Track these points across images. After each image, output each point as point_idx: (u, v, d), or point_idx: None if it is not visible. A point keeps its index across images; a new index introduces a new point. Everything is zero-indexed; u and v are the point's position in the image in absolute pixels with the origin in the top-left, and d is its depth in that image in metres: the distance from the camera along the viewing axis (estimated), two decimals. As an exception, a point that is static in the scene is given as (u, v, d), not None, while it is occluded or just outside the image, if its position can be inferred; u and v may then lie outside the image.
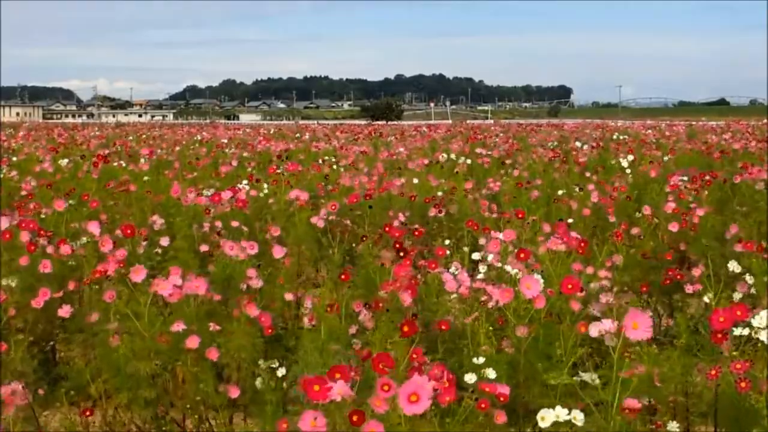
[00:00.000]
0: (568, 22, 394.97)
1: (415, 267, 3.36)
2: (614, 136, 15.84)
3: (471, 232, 4.50)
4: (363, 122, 45.45)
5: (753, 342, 2.59)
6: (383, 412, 1.92)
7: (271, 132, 20.82)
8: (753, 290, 3.37)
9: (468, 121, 38.20)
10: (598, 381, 2.53)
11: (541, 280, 2.83)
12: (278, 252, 4.00)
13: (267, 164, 9.06)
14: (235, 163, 9.04)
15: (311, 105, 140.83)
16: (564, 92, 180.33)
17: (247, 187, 6.08)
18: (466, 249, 4.11)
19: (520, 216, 4.59)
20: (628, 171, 8.01)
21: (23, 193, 6.27)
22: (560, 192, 6.47)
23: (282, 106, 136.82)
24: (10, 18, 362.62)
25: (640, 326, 2.23)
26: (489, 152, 10.28)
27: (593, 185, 6.28)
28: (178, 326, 2.87)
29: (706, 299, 3.33)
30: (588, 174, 7.96)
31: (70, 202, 5.30)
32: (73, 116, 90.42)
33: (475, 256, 3.70)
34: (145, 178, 7.63)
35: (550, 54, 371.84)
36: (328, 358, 2.66)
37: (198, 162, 9.41)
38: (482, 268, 3.40)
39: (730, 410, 2.54)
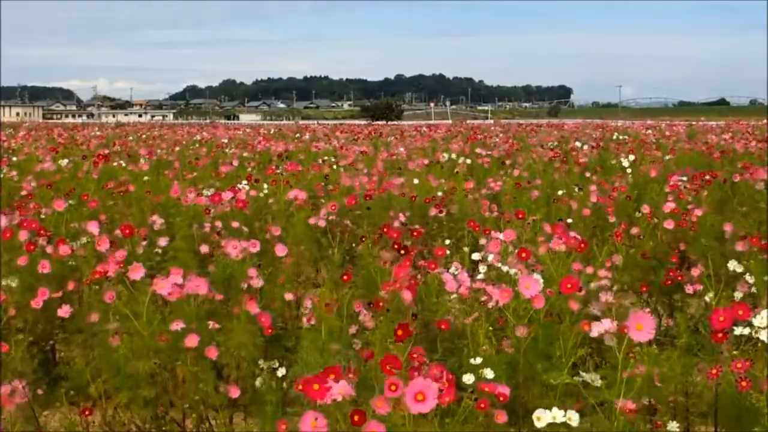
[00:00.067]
0: (568, 22, 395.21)
1: (415, 267, 3.36)
2: (614, 136, 15.84)
3: (471, 232, 4.50)
4: (363, 122, 45.44)
5: (753, 342, 2.59)
6: (385, 413, 1.92)
7: (271, 132, 20.82)
8: (753, 289, 3.37)
9: (468, 121, 38.20)
10: (598, 381, 2.53)
11: (541, 280, 2.83)
12: (281, 250, 4.00)
13: (267, 164, 9.06)
14: (236, 163, 9.04)
15: (311, 105, 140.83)
16: (564, 92, 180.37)
17: (247, 187, 6.07)
18: (466, 249, 4.11)
19: (520, 216, 4.58)
20: (629, 171, 8.01)
21: (23, 193, 6.27)
22: (560, 192, 6.47)
23: (282, 106, 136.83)
24: (10, 18, 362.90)
25: (644, 327, 2.23)
26: (489, 152, 10.28)
27: (594, 186, 6.28)
28: (177, 325, 2.87)
29: (707, 299, 3.33)
30: (588, 174, 7.96)
31: (70, 202, 5.30)
32: (73, 116, 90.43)
33: (475, 256, 3.70)
34: (145, 178, 7.63)
35: (550, 54, 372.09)
36: (329, 358, 2.66)
37: (198, 162, 9.41)
38: (482, 268, 3.40)
39: (731, 410, 2.54)
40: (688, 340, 2.81)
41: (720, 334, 2.52)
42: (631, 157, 8.64)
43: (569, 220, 5.29)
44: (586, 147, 11.82)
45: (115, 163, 8.77)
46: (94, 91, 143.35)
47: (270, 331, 3.14)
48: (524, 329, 2.77)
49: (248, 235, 4.19)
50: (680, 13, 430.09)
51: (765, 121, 26.98)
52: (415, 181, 6.88)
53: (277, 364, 3.05)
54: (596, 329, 2.57)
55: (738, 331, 2.56)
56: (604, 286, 3.35)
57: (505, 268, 3.25)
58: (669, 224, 4.82)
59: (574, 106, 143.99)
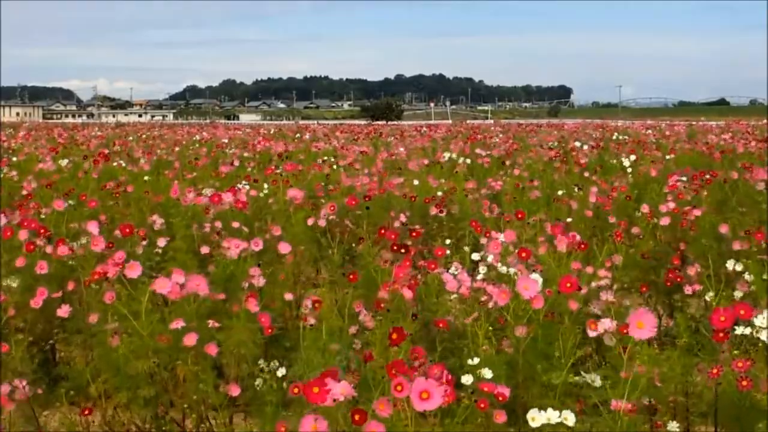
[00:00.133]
0: (568, 22, 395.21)
1: (415, 267, 3.36)
2: (614, 137, 15.84)
3: (472, 232, 4.50)
4: (363, 122, 45.44)
5: (753, 341, 2.58)
6: (387, 415, 1.92)
7: (271, 132, 20.82)
8: (753, 287, 3.37)
9: (468, 121, 38.22)
10: (598, 382, 2.53)
11: (540, 281, 2.83)
12: (284, 248, 4.02)
13: (267, 164, 9.06)
14: (236, 163, 9.05)
15: (311, 105, 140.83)
16: (564, 92, 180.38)
17: (247, 187, 6.07)
18: (466, 248, 4.11)
19: (519, 216, 4.59)
20: (629, 171, 8.01)
21: (24, 193, 6.27)
22: (560, 192, 6.47)
23: (282, 106, 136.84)
24: (10, 18, 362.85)
25: (645, 325, 2.23)
26: (489, 152, 10.28)
27: (595, 186, 6.28)
28: (178, 323, 2.86)
29: (707, 298, 3.33)
30: (587, 174, 7.96)
31: (70, 202, 5.30)
32: (73, 116, 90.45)
33: (475, 256, 3.70)
34: (146, 178, 7.63)
35: (550, 54, 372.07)
36: (329, 358, 2.66)
37: (197, 162, 9.41)
38: (482, 268, 3.40)
39: (731, 409, 2.54)
40: (688, 340, 2.81)
41: (721, 334, 2.52)
42: (632, 157, 8.65)
43: (569, 220, 5.29)
44: (585, 147, 11.82)
45: (114, 163, 8.78)
46: (94, 91, 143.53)
47: (270, 330, 3.14)
48: (523, 329, 2.77)
49: (248, 235, 4.18)
50: (680, 13, 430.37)
51: (765, 121, 26.99)
52: (415, 182, 6.88)
53: (277, 364, 3.05)
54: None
55: (739, 331, 2.56)
56: (605, 286, 3.35)
57: (504, 269, 3.25)
58: (665, 221, 4.85)
59: (574, 106, 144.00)
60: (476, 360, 2.41)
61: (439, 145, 12.90)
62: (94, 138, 16.26)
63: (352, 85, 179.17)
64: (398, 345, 2.28)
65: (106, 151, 10.39)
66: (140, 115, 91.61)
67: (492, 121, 41.53)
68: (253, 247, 3.77)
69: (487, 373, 2.31)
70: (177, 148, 12.55)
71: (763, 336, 2.53)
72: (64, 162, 8.55)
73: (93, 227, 3.71)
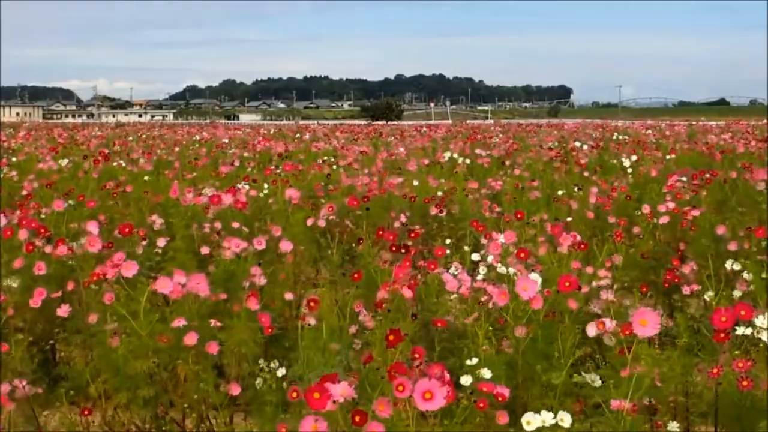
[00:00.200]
0: (568, 22, 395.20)
1: (414, 267, 3.36)
2: (614, 137, 15.84)
3: (472, 232, 4.50)
4: (363, 122, 45.44)
5: (754, 342, 2.58)
6: (387, 416, 1.92)
7: (271, 132, 20.83)
8: (752, 287, 3.37)
9: (468, 121, 38.22)
10: (598, 382, 2.53)
11: (539, 281, 2.83)
12: (285, 246, 4.02)
13: (267, 164, 9.07)
14: (237, 163, 9.05)
15: (311, 105, 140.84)
16: (564, 92, 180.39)
17: (247, 187, 6.07)
18: (466, 248, 4.11)
19: (519, 217, 4.59)
20: (629, 171, 8.01)
21: (24, 193, 6.27)
22: (560, 192, 6.47)
23: (282, 106, 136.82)
24: (10, 18, 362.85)
25: (648, 323, 2.23)
26: (489, 152, 10.29)
27: (595, 186, 6.28)
28: (179, 322, 2.87)
29: (706, 297, 3.33)
30: (587, 174, 7.96)
31: (70, 202, 5.30)
32: (73, 116, 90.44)
33: (475, 256, 3.70)
34: (146, 177, 7.64)
35: (550, 54, 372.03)
36: (329, 358, 2.66)
37: (197, 162, 9.41)
38: (482, 268, 3.40)
39: (731, 409, 2.54)
40: (688, 340, 2.81)
41: (722, 334, 2.52)
42: (633, 158, 8.65)
43: (569, 219, 5.29)
44: (585, 147, 11.83)
45: (114, 163, 8.78)
46: (94, 91, 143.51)
47: (270, 330, 3.14)
48: (523, 329, 2.77)
49: (247, 236, 4.18)
50: (680, 13, 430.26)
51: (765, 121, 26.99)
52: (415, 182, 6.88)
53: (277, 364, 3.05)
54: (593, 329, 2.57)
55: (740, 331, 2.56)
56: (605, 285, 3.35)
57: (503, 269, 3.25)
58: (664, 220, 4.85)
59: (574, 106, 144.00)
60: (475, 360, 2.41)
61: (439, 145, 12.90)
62: (94, 138, 16.27)
63: (352, 85, 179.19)
64: (395, 346, 2.28)
65: (106, 151, 10.39)
66: (140, 115, 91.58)
67: (492, 121, 41.54)
68: (256, 246, 3.79)
69: (486, 373, 2.31)
70: (177, 148, 12.55)
71: (764, 337, 2.53)
72: (64, 162, 8.55)
73: (93, 227, 3.71)
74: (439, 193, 6.31)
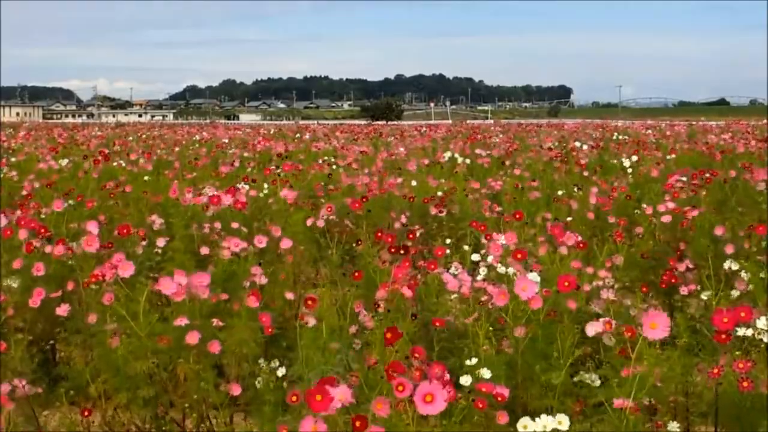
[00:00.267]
0: (568, 22, 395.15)
1: (414, 267, 3.36)
2: (614, 137, 15.84)
3: (473, 232, 4.50)
4: (363, 122, 45.43)
5: (755, 343, 2.58)
6: (385, 415, 1.92)
7: (271, 132, 20.83)
8: (750, 287, 3.37)
9: (468, 121, 38.22)
10: (598, 381, 2.53)
11: (538, 281, 2.83)
12: (286, 243, 4.03)
13: (267, 164, 9.07)
14: (237, 163, 9.05)
15: (311, 105, 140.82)
16: (564, 92, 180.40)
17: (246, 187, 6.07)
18: (466, 248, 4.11)
19: (518, 217, 4.59)
20: (629, 171, 8.01)
21: (23, 193, 6.27)
22: (560, 192, 6.47)
23: (282, 106, 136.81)
24: (10, 18, 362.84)
25: (658, 325, 2.23)
26: (489, 152, 10.29)
27: (595, 187, 6.28)
28: (182, 321, 2.87)
29: (703, 297, 3.34)
30: (586, 174, 7.96)
31: (69, 202, 5.30)
32: (73, 116, 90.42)
33: (475, 257, 3.70)
34: (146, 177, 7.64)
35: (550, 54, 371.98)
36: (329, 357, 2.66)
37: (197, 162, 9.41)
38: (483, 269, 3.40)
39: (732, 409, 2.54)
40: (688, 340, 2.81)
41: (723, 336, 2.51)
42: (634, 158, 8.64)
43: (569, 219, 5.30)
44: (585, 147, 11.83)
45: (114, 163, 8.78)
46: (94, 91, 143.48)
47: (270, 330, 3.14)
48: (522, 329, 2.77)
49: (247, 236, 4.19)
50: (680, 13, 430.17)
51: (765, 121, 27.00)
52: (413, 182, 6.88)
53: (278, 364, 3.05)
54: (592, 329, 2.57)
55: (740, 332, 2.56)
56: (606, 285, 3.35)
57: (503, 269, 3.25)
58: (666, 219, 4.86)
59: (574, 106, 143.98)
60: (474, 360, 2.41)
61: (439, 145, 12.91)
62: (94, 138, 16.27)
63: (352, 85, 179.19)
64: (393, 344, 2.28)
65: (106, 151, 10.39)
66: (140, 115, 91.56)
67: (492, 121, 41.54)
68: (256, 244, 3.79)
69: (486, 373, 2.31)
70: (177, 149, 12.55)
71: (765, 338, 2.53)
72: (64, 162, 8.55)
73: (93, 227, 3.71)
74: (439, 193, 6.32)
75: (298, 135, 18.52)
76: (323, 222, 4.96)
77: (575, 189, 6.57)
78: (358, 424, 1.87)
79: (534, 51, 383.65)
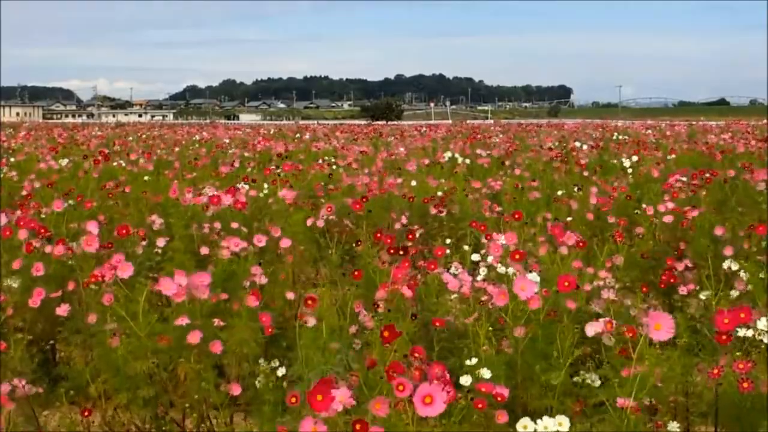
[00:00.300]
0: (568, 22, 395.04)
1: (414, 267, 3.36)
2: (614, 137, 15.84)
3: (473, 232, 4.50)
4: (363, 122, 45.41)
5: (755, 344, 2.58)
6: (384, 415, 1.92)
7: (271, 132, 20.82)
8: (749, 287, 3.37)
9: (468, 121, 38.21)
10: (597, 382, 2.53)
11: (537, 281, 2.83)
12: (285, 243, 4.02)
13: (267, 164, 9.07)
14: (237, 163, 9.05)
15: (311, 105, 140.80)
16: (564, 92, 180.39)
17: (246, 187, 6.07)
18: (466, 248, 4.11)
19: (517, 217, 4.59)
20: (630, 171, 8.01)
21: (23, 193, 6.27)
22: (560, 192, 6.47)
23: (282, 106, 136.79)
24: (10, 18, 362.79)
25: (663, 327, 2.23)
26: (489, 152, 10.29)
27: (595, 187, 6.28)
28: (183, 321, 2.87)
29: (701, 297, 3.34)
30: (586, 174, 7.96)
31: (69, 202, 5.30)
32: (73, 116, 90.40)
33: (475, 257, 3.70)
34: (146, 177, 7.64)
35: (550, 54, 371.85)
36: (329, 357, 2.66)
37: (197, 162, 9.41)
38: (483, 269, 3.40)
39: (732, 410, 2.54)
40: (688, 340, 2.81)
41: (724, 337, 2.51)
42: (634, 158, 8.64)
43: (569, 219, 5.30)
44: (585, 147, 11.83)
45: (114, 163, 8.78)
46: (94, 91, 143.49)
47: (270, 330, 3.14)
48: (522, 329, 2.77)
49: (246, 236, 4.19)
50: (680, 13, 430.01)
51: (765, 121, 27.00)
52: (413, 182, 6.88)
53: (278, 363, 3.05)
54: (592, 329, 2.56)
55: (741, 333, 2.56)
56: (607, 285, 3.35)
57: (503, 269, 3.24)
58: (668, 219, 4.86)
59: (574, 106, 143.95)
60: (474, 360, 2.41)
61: (439, 145, 12.91)
62: (94, 138, 16.27)
63: (352, 85, 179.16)
64: (390, 343, 2.28)
65: (106, 151, 10.39)
66: (140, 115, 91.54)
67: (492, 121, 41.53)
68: (256, 243, 3.79)
69: (486, 373, 2.31)
70: (177, 149, 12.55)
71: (765, 339, 2.53)
72: (64, 162, 8.55)
73: (93, 227, 3.71)
74: (439, 194, 6.32)
75: (298, 135, 18.52)
76: (323, 222, 4.96)
77: (575, 189, 6.57)
78: (358, 427, 1.87)
79: (534, 51, 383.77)
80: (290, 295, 3.72)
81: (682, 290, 3.74)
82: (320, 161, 9.68)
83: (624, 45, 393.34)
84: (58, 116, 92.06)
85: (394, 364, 2.06)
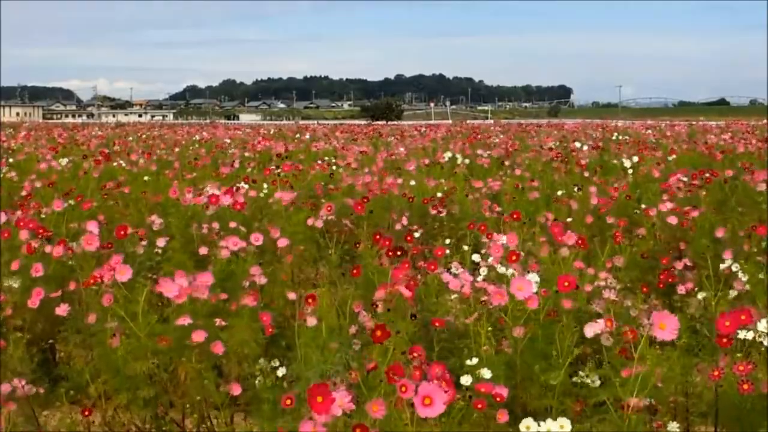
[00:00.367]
0: (568, 22, 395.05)
1: (415, 267, 3.36)
2: (614, 137, 15.84)
3: (473, 232, 4.50)
4: (363, 122, 45.38)
5: (754, 344, 2.58)
6: (381, 416, 1.92)
7: (271, 132, 20.81)
8: (747, 287, 3.37)
9: (468, 121, 38.18)
10: (597, 382, 2.53)
11: (536, 281, 2.83)
12: (283, 242, 4.02)
13: (267, 164, 9.07)
14: (237, 164, 9.05)
15: (311, 105, 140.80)
16: (564, 92, 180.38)
17: (246, 187, 6.07)
18: (466, 248, 4.11)
19: (515, 217, 4.59)
20: (630, 171, 8.01)
21: (23, 193, 6.27)
22: (560, 192, 6.47)
23: (282, 106, 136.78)
24: (10, 18, 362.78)
25: (667, 326, 2.23)
26: (489, 152, 10.29)
27: (594, 186, 6.28)
28: (185, 320, 2.87)
29: (699, 297, 3.34)
30: (587, 174, 7.96)
31: (69, 202, 5.30)
32: (73, 116, 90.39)
33: (476, 257, 3.70)
34: (146, 178, 7.64)
35: (550, 54, 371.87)
36: (329, 356, 2.66)
37: (197, 162, 9.41)
38: (483, 269, 3.40)
39: (732, 411, 2.54)
40: (688, 340, 2.81)
41: (725, 340, 2.51)
42: (635, 159, 8.64)
43: (569, 219, 5.29)
44: (585, 147, 11.82)
45: (115, 163, 8.78)
46: (94, 91, 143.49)
47: (271, 330, 3.14)
48: (521, 329, 2.77)
49: (245, 236, 4.19)
50: (680, 13, 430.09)
51: (765, 121, 26.98)
52: (412, 182, 6.88)
53: (277, 363, 3.05)
54: (591, 329, 2.56)
55: (741, 335, 2.56)
56: (609, 286, 3.35)
57: (502, 269, 3.25)
58: (672, 220, 4.87)
59: (574, 106, 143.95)
60: (475, 360, 2.41)
61: (439, 145, 12.90)
62: (94, 138, 16.26)
63: (352, 85, 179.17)
64: (383, 342, 2.28)
65: (106, 151, 10.39)
66: (140, 115, 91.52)
67: (492, 121, 41.50)
68: (253, 242, 3.78)
69: (486, 373, 2.31)
70: (177, 149, 12.55)
71: (765, 341, 2.53)
72: (64, 161, 8.56)
73: (93, 227, 3.71)
74: (439, 194, 6.32)
75: (298, 135, 18.51)
76: (322, 222, 4.96)
77: (575, 189, 6.57)
78: (358, 431, 1.87)
79: (534, 51, 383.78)
80: (292, 296, 3.72)
81: (681, 289, 3.75)
82: (320, 161, 9.68)
83: (624, 45, 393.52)
84: (58, 116, 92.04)
85: (393, 366, 2.06)
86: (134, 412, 3.13)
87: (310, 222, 4.94)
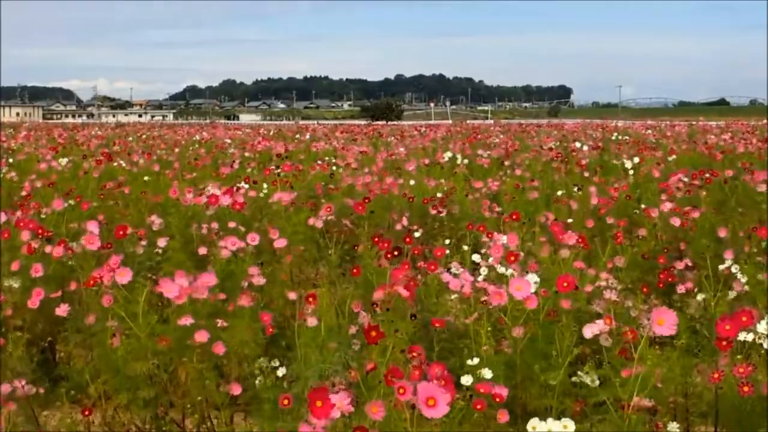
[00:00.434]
0: (568, 22, 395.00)
1: (415, 268, 3.36)
2: (614, 137, 15.84)
3: (473, 232, 4.50)
4: (363, 122, 45.36)
5: (754, 346, 2.58)
6: (381, 418, 1.92)
7: (271, 132, 20.80)
8: (746, 287, 3.37)
9: (468, 122, 38.17)
10: (597, 382, 2.53)
11: (535, 281, 2.83)
12: (281, 242, 4.02)
13: (267, 164, 9.07)
14: (237, 164, 9.05)
15: (311, 105, 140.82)
16: (564, 92, 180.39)
17: (246, 187, 6.07)
18: (466, 248, 4.11)
19: (515, 217, 4.59)
20: (631, 172, 8.01)
21: (23, 193, 6.27)
22: (560, 192, 6.47)
23: (282, 106, 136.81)
24: (10, 18, 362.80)
25: (666, 322, 2.24)
26: (489, 153, 10.29)
27: (594, 187, 6.28)
28: (186, 320, 2.87)
29: (699, 297, 3.34)
30: (587, 174, 7.96)
31: (69, 202, 5.30)
32: (73, 116, 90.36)
33: (476, 257, 3.70)
34: (146, 178, 7.64)
35: (550, 54, 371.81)
36: (328, 356, 2.66)
37: (197, 162, 9.42)
38: (483, 269, 3.40)
39: (732, 412, 2.54)
40: (688, 340, 2.81)
41: (725, 342, 2.51)
42: (636, 159, 8.63)
43: (569, 220, 5.29)
44: (586, 148, 11.82)
45: (115, 164, 8.78)
46: (94, 91, 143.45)
47: (271, 330, 3.14)
48: (520, 329, 2.77)
49: (244, 235, 4.19)
50: (680, 13, 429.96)
51: (765, 121, 26.98)
52: (412, 182, 6.88)
53: (277, 363, 3.05)
54: (590, 330, 2.56)
55: (741, 337, 2.56)
56: (610, 286, 3.35)
57: (502, 270, 3.25)
58: (675, 221, 4.87)
59: (574, 106, 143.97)
60: (475, 360, 2.41)
61: (439, 145, 12.90)
62: (94, 138, 16.26)
63: (352, 85, 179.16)
64: (377, 343, 2.28)
65: (106, 151, 10.39)
66: (140, 116, 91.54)
67: (492, 122, 41.49)
68: (249, 242, 3.78)
69: (486, 373, 2.31)
70: (177, 149, 12.55)
71: (765, 344, 2.53)
72: (64, 162, 8.56)
73: (93, 227, 3.71)
74: (439, 194, 6.32)
75: (297, 135, 18.51)
76: (322, 222, 4.96)
77: (575, 189, 6.57)
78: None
79: (534, 51, 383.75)
80: (292, 295, 3.72)
81: (681, 289, 3.75)
82: (320, 161, 9.68)
83: (624, 45, 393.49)
84: (58, 116, 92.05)
85: (392, 369, 2.06)
86: (134, 412, 3.13)
87: (310, 222, 4.94)
